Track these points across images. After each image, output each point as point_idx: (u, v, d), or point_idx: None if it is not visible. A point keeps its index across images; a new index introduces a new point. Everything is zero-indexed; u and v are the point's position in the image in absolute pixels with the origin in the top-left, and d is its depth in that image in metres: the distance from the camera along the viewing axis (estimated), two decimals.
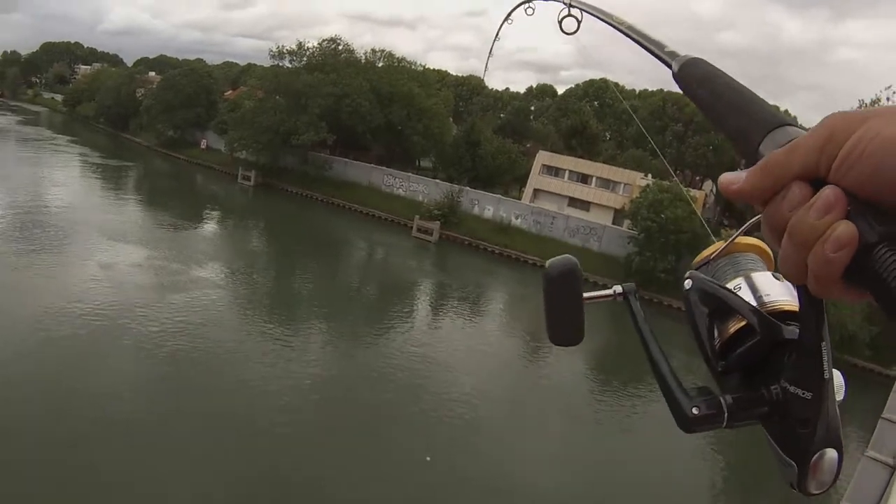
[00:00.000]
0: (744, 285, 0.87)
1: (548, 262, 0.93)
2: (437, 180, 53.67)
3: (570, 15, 1.89)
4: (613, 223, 46.24)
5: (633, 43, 1.12)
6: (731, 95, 0.77)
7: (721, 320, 0.86)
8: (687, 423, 0.80)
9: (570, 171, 52.76)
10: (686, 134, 60.66)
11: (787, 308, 0.82)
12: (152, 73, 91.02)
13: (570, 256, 0.92)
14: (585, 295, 0.92)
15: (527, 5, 2.94)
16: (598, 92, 75.36)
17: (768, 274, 0.88)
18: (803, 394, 0.73)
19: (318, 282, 35.29)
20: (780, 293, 0.84)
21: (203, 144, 67.83)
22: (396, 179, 54.17)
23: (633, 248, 40.50)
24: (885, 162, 0.50)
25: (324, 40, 61.35)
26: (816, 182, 0.55)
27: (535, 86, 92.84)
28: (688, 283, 0.90)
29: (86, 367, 19.17)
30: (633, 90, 74.64)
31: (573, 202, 51.33)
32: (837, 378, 0.76)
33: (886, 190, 0.51)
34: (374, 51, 64.12)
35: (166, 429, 16.30)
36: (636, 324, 0.93)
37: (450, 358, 24.77)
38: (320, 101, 54.35)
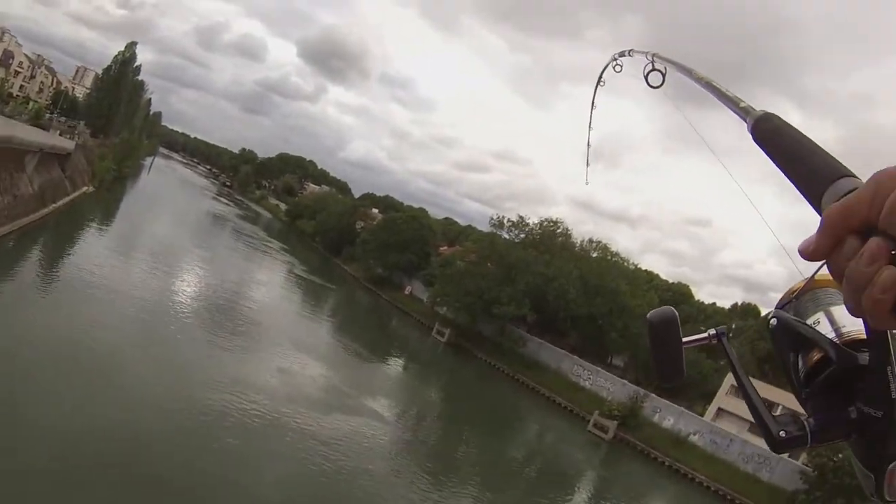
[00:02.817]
0: (823, 319, 0.96)
1: (649, 313, 1.05)
2: (625, 381, 53.04)
3: (654, 69, 1.96)
4: (791, 456, 43.40)
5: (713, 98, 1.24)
6: (798, 148, 0.85)
7: (804, 352, 0.96)
8: (775, 445, 0.90)
9: None
10: None
11: (861, 337, 0.89)
12: (375, 210, 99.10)
13: (669, 307, 1.06)
14: (684, 339, 1.06)
15: (615, 62, 2.96)
16: None
17: (844, 307, 0.87)
18: (875, 413, 0.82)
19: (481, 449, 34.94)
20: (854, 324, 0.91)
21: (407, 290, 71.35)
22: (585, 371, 54.19)
23: (803, 484, 39.63)
24: None
25: (545, 220, 64.18)
26: (869, 231, 0.62)
27: (740, 304, 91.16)
28: (773, 322, 1.01)
29: (238, 454, 20.28)
30: None
31: (754, 428, 48.31)
32: None
33: None
34: (591, 240, 66.10)
35: None
36: (731, 362, 1.05)
37: None
38: (529, 277, 55.93)
